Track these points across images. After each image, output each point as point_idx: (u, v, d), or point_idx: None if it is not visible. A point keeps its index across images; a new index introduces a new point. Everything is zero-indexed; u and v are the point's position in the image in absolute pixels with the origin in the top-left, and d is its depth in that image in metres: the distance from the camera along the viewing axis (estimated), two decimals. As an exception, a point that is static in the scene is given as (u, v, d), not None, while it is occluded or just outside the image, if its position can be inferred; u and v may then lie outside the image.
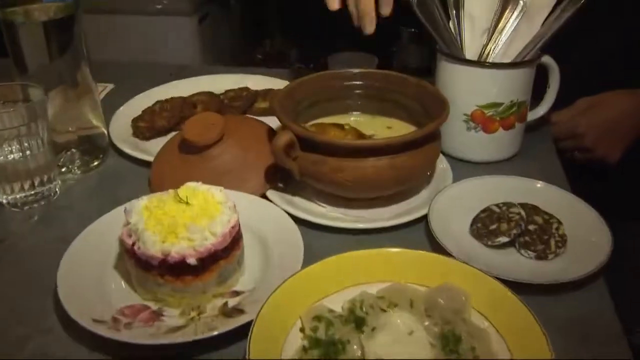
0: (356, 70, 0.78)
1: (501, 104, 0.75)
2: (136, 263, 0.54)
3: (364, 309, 0.51)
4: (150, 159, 0.76)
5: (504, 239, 0.62)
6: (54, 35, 0.72)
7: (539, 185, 0.70)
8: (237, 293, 0.57)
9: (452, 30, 0.78)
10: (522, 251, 0.62)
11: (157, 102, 0.91)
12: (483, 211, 0.66)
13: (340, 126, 0.73)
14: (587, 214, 0.65)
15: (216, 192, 0.57)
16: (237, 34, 2.39)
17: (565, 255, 0.61)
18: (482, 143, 0.78)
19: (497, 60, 0.77)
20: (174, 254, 0.52)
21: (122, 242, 0.55)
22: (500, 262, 0.61)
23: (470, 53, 0.78)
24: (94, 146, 0.81)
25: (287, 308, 0.50)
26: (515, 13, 0.76)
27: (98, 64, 0.81)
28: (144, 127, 0.85)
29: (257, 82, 0.99)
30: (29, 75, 0.73)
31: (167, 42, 1.97)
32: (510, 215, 0.64)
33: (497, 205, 0.66)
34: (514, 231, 0.62)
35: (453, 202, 0.68)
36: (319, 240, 0.64)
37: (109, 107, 0.89)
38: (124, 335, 0.50)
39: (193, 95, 0.94)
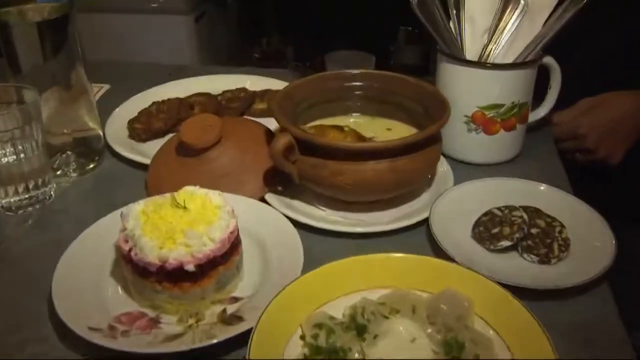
0: (356, 71, 0.77)
1: (502, 105, 0.75)
2: (133, 269, 0.53)
3: (365, 316, 0.50)
4: (147, 161, 0.75)
5: (506, 243, 0.61)
6: (48, 35, 0.71)
7: (541, 188, 0.69)
8: (236, 299, 0.56)
9: (453, 31, 0.77)
10: (525, 255, 0.61)
11: (154, 103, 0.90)
12: (485, 214, 0.65)
13: (339, 128, 0.72)
14: (590, 217, 0.65)
15: (214, 197, 0.56)
16: (233, 32, 2.38)
17: (568, 260, 0.61)
18: (483, 144, 0.77)
19: (498, 61, 0.76)
20: (172, 261, 0.51)
21: (118, 248, 0.54)
22: (502, 267, 0.60)
23: (471, 53, 0.78)
24: (90, 148, 0.80)
25: (287, 315, 0.49)
26: (516, 13, 0.75)
27: (93, 64, 0.80)
28: (141, 128, 0.84)
29: (254, 82, 0.99)
30: (23, 75, 0.72)
31: (163, 41, 1.95)
32: (512, 218, 0.63)
33: (499, 208, 0.65)
34: (517, 235, 0.61)
35: (454, 206, 0.67)
36: (319, 244, 0.63)
37: (105, 108, 0.87)
38: (121, 344, 0.49)
39: (190, 96, 0.93)
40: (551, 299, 0.56)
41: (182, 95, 0.93)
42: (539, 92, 0.80)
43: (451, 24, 0.77)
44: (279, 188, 0.70)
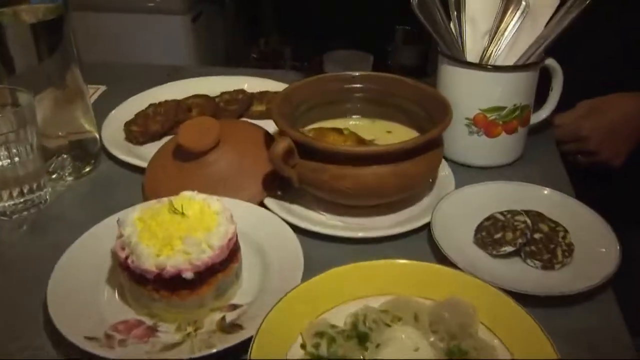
0: (355, 73, 0.76)
1: (504, 107, 0.74)
2: (130, 277, 0.52)
3: (367, 324, 0.49)
4: (144, 164, 0.74)
5: (509, 249, 0.60)
6: (42, 36, 0.70)
7: (545, 192, 0.69)
8: (235, 306, 0.55)
9: (454, 32, 0.76)
10: (528, 261, 0.60)
11: (151, 105, 0.89)
12: (487, 219, 0.64)
13: (339, 131, 0.71)
14: (593, 222, 0.64)
15: (213, 202, 0.55)
16: (231, 32, 2.36)
17: (572, 265, 0.60)
18: (485, 147, 0.77)
19: (499, 63, 0.75)
20: (170, 268, 0.50)
21: (115, 255, 0.53)
22: (505, 273, 0.59)
23: (472, 55, 0.77)
24: (86, 151, 0.78)
25: (287, 323, 0.49)
26: (518, 14, 0.74)
27: (89, 65, 0.79)
28: (137, 131, 0.83)
29: (252, 83, 0.98)
30: (17, 76, 0.71)
31: (159, 42, 1.94)
32: (515, 223, 0.62)
33: (501, 213, 0.64)
34: (520, 240, 0.60)
35: (456, 210, 0.66)
36: (319, 250, 0.63)
37: (101, 110, 0.86)
38: (118, 354, 0.48)
39: (188, 98, 0.92)
40: (555, 305, 0.55)
41: (179, 96, 0.92)
42: (539, 94, 0.79)
43: (452, 25, 0.76)
44: (279, 192, 0.69)
